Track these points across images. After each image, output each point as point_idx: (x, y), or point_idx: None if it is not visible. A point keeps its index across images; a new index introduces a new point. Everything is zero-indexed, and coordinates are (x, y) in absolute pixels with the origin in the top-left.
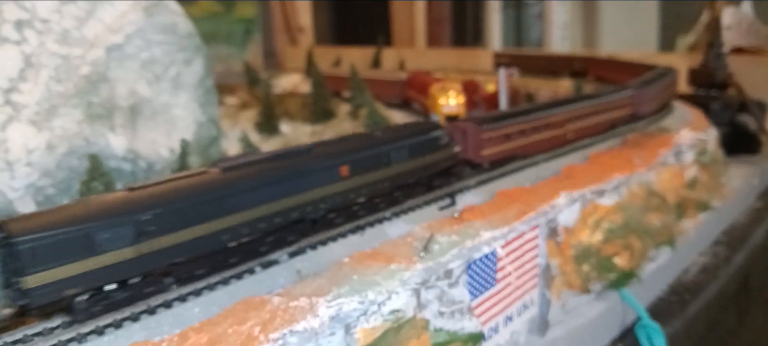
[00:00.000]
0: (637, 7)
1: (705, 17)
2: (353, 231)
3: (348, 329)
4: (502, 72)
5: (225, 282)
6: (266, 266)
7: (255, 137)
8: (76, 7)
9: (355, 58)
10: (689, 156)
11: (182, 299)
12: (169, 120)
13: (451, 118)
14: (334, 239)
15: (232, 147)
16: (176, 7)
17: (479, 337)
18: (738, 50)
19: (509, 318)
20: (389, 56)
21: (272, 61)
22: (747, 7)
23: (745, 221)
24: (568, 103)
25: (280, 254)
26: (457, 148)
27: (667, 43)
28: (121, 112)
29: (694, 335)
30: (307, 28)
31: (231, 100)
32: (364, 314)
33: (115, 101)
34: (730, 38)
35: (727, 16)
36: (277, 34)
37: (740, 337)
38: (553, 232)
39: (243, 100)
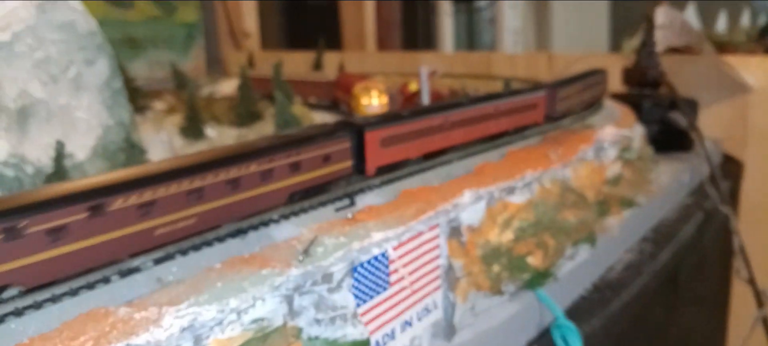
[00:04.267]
0: (588, 9)
1: None
2: (234, 235)
3: (198, 340)
4: (424, 71)
5: (73, 293)
6: (125, 274)
7: (179, 142)
8: None
9: (299, 61)
10: (612, 153)
11: (18, 313)
12: (68, 123)
13: None
14: (209, 243)
15: (153, 152)
16: (76, 5)
17: (364, 344)
18: (672, 50)
19: (408, 323)
20: (333, 60)
21: (218, 67)
22: (691, 10)
23: (674, 218)
24: None
25: (143, 261)
26: None
27: (617, 45)
28: (7, 114)
29: (615, 333)
30: (253, 33)
31: (158, 105)
32: (220, 323)
33: (0, 102)
34: (663, 38)
35: (660, 16)
36: (222, 39)
37: (668, 333)
38: (455, 231)
39: (170, 105)
